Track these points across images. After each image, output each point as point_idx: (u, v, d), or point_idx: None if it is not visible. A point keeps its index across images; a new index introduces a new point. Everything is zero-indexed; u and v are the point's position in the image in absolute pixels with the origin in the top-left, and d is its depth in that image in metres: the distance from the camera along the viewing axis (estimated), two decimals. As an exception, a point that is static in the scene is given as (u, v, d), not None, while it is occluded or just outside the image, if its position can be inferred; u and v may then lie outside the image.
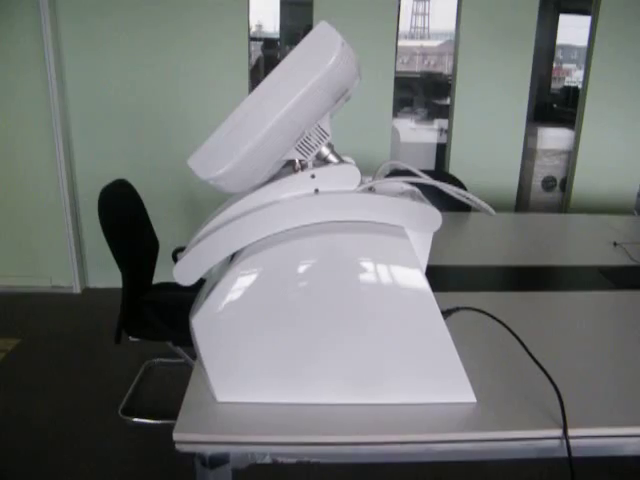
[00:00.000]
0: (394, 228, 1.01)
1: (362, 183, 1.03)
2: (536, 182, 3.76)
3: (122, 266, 1.95)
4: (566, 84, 6.73)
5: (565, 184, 3.75)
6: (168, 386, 2.54)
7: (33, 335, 3.01)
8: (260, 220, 1.00)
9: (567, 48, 7.17)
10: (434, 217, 1.01)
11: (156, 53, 3.24)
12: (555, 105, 5.64)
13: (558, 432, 1.00)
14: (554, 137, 3.78)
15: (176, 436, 0.98)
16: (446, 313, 1.15)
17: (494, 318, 1.21)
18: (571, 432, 0.99)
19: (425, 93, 5.57)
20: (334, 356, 1.04)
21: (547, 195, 3.79)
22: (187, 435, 0.98)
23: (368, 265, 0.99)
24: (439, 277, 1.13)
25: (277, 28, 5.54)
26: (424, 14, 14.02)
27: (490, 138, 3.48)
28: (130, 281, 2.02)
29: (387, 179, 1.07)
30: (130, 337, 2.12)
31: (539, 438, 1.01)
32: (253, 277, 1.00)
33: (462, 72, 3.39)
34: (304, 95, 0.85)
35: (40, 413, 2.35)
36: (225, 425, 1.02)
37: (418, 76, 6.67)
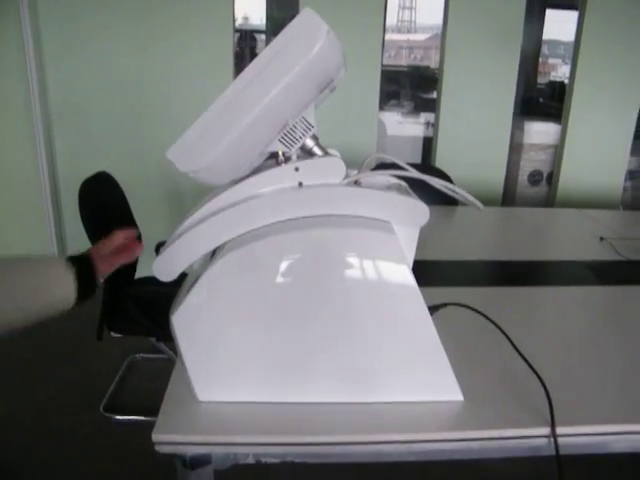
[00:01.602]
0: (380, 223, 0.98)
1: (347, 176, 1.00)
2: (522, 176, 3.76)
3: (103, 261, 1.91)
4: (552, 79, 6.74)
5: (551, 178, 3.75)
6: (151, 382, 2.49)
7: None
8: (242, 214, 0.97)
9: (553, 43, 7.18)
10: (421, 211, 0.99)
11: (139, 47, 3.18)
12: (541, 99, 5.64)
13: (546, 430, 0.98)
14: (540, 131, 3.78)
15: (155, 437, 0.95)
16: (433, 309, 1.13)
17: (481, 314, 1.19)
18: (559, 430, 0.97)
19: (412, 86, 5.55)
20: (318, 354, 1.01)
21: (533, 189, 3.79)
22: (167, 436, 0.95)
23: (354, 261, 0.96)
24: (425, 272, 1.11)
25: (264, 20, 5.48)
26: (411, 8, 13.98)
27: (477, 132, 3.47)
28: (111, 276, 1.97)
29: (373, 172, 1.05)
30: (112, 333, 2.09)
31: (527, 437, 0.99)
32: (235, 273, 0.97)
33: (449, 65, 3.37)
34: (287, 84, 0.81)
35: (21, 410, 2.31)
36: (206, 425, 0.99)
37: (405, 69, 6.65)
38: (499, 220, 2.50)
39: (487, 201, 3.31)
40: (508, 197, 3.73)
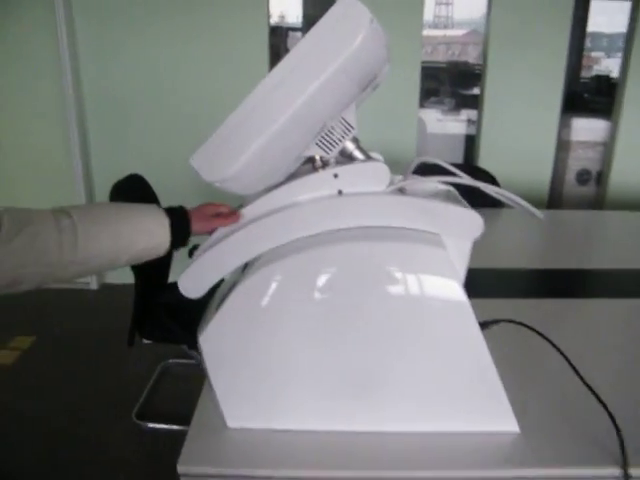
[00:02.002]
0: (429, 235, 0.88)
1: (392, 183, 0.91)
2: (570, 175, 3.58)
3: (133, 266, 1.85)
4: (596, 73, 6.46)
5: (601, 177, 3.56)
6: (184, 389, 2.43)
7: (49, 333, 2.94)
8: (276, 225, 0.89)
9: (596, 35, 6.89)
10: (475, 222, 0.88)
11: (174, 45, 3.13)
12: (586, 95, 5.39)
13: (616, 471, 0.86)
14: (588, 128, 3.59)
15: (180, 468, 0.87)
16: (482, 326, 1.03)
17: (539, 333, 1.08)
18: (633, 471, 0.86)
19: (451, 83, 5.39)
20: (360, 379, 0.92)
21: (582, 189, 3.60)
22: (193, 468, 0.87)
23: (399, 277, 0.87)
24: (465, 281, 1.03)
25: (300, 18, 5.39)
26: (447, 3, 13.73)
27: (522, 129, 3.31)
28: (143, 281, 1.92)
29: (421, 178, 0.95)
30: (143, 340, 2.03)
31: (594, 478, 0.88)
32: (268, 290, 0.88)
33: (492, 61, 3.22)
34: (325, 82, 0.72)
35: (53, 414, 2.28)
36: (236, 455, 0.91)
37: (443, 66, 6.48)
38: (546, 224, 2.35)
39: (533, 202, 3.14)
40: (555, 197, 3.55)
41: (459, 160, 3.88)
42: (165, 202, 2.17)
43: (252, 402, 0.94)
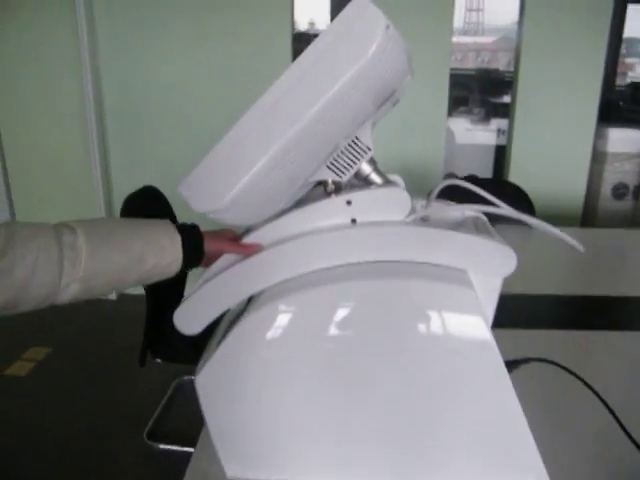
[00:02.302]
0: (454, 272, 0.78)
1: (413, 210, 0.80)
2: (605, 189, 3.41)
3: (146, 290, 1.78)
4: (631, 80, 6.24)
5: (639, 191, 3.39)
6: (198, 409, 2.36)
7: (65, 345, 2.89)
8: (281, 257, 0.79)
9: (631, 41, 6.67)
10: (506, 258, 0.77)
11: (194, 50, 3.07)
12: (621, 103, 5.19)
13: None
14: (626, 139, 3.42)
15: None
16: (511, 365, 0.92)
17: (578, 377, 0.96)
18: None
19: (481, 91, 5.25)
20: (372, 428, 0.82)
21: (618, 204, 3.43)
22: (185, 527, 0.78)
23: (420, 320, 0.76)
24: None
25: (328, 24, 5.33)
26: (478, 10, 13.56)
27: (555, 140, 3.17)
28: (155, 300, 1.84)
29: (447, 207, 0.84)
30: (156, 359, 1.96)
31: None
32: (272, 329, 0.78)
33: (524, 68, 3.09)
34: (333, 99, 0.62)
35: (63, 431, 2.22)
36: (234, 513, 0.81)
37: (473, 73, 6.34)
38: (581, 243, 2.21)
39: (566, 218, 2.99)
40: (589, 212, 3.39)
41: (488, 172, 3.75)
42: (183, 213, 2.11)
43: (254, 451, 0.84)
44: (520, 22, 3.08)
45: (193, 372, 0.87)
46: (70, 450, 2.12)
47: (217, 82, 3.11)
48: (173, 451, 2.10)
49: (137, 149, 3.24)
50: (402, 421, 0.81)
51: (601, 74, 3.06)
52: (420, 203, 0.92)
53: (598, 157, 3.39)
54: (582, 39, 3.01)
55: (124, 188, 1.92)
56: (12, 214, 3.40)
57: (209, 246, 0.82)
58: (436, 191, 0.88)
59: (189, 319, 0.84)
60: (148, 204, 1.96)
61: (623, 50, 6.06)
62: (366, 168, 0.81)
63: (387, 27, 0.60)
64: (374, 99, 0.67)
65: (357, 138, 0.76)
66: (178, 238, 0.79)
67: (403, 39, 0.64)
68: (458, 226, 0.88)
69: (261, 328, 0.79)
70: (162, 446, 2.12)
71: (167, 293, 1.96)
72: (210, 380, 0.82)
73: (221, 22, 3.02)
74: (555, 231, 0.81)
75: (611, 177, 3.40)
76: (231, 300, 0.82)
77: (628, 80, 6.24)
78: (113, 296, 3.40)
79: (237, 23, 3.02)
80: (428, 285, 0.76)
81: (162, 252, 0.77)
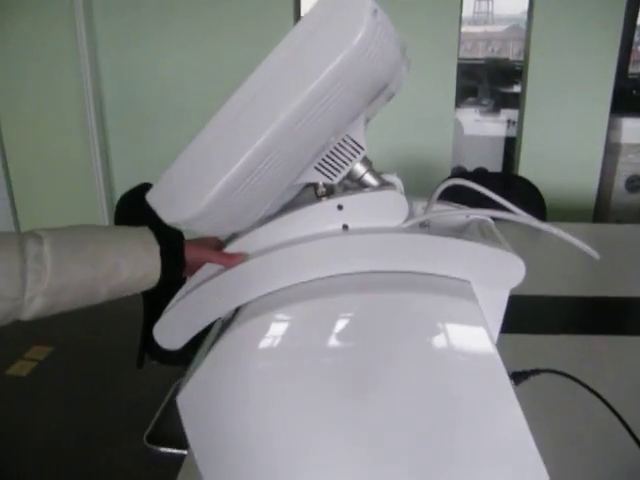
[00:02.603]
0: (457, 283, 0.70)
1: (412, 215, 0.73)
2: (619, 182, 3.31)
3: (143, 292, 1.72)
4: (643, 67, 6.07)
5: (653, 184, 3.29)
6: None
7: (66, 344, 2.85)
8: (267, 267, 0.72)
9: (640, 28, 6.50)
10: (514, 268, 0.70)
11: (195, 43, 3.00)
12: (634, 92, 5.05)
13: None
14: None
15: None
16: (519, 377, 0.85)
17: (593, 392, 0.89)
18: None
19: (490, 81, 5.14)
20: (366, 453, 0.75)
21: (632, 197, 3.33)
22: None
23: (419, 337, 0.69)
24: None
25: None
26: (488, -1, 13.37)
27: (566, 131, 3.07)
28: (152, 299, 1.79)
29: (451, 211, 0.77)
30: (154, 362, 1.90)
31: None
32: (258, 345, 0.72)
33: (535, 58, 2.99)
34: (314, 95, 0.54)
35: (62, 432, 2.18)
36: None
37: (482, 62, 6.21)
38: (592, 240, 2.12)
39: (578, 211, 2.89)
40: (601, 206, 3.30)
41: (498, 164, 3.66)
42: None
43: (238, 476, 0.78)
44: (530, 10, 2.99)
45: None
46: (70, 453, 2.08)
47: (219, 77, 3.04)
48: (173, 454, 2.05)
49: (139, 147, 3.19)
50: (402, 438, 0.74)
51: (615, 62, 2.96)
52: (421, 205, 0.85)
53: (611, 149, 3.29)
54: (595, 27, 2.91)
55: (126, 186, 1.87)
56: (14, 213, 3.36)
57: (191, 255, 0.75)
58: (438, 192, 0.81)
59: (170, 333, 0.78)
60: (144, 202, 1.90)
61: (636, 37, 5.91)
62: (359, 169, 0.74)
63: (375, 12, 0.52)
64: (363, 94, 0.59)
65: (348, 136, 0.69)
66: (156, 247, 0.72)
67: (394, 26, 0.56)
68: (461, 231, 0.81)
69: (245, 345, 0.72)
70: (162, 449, 2.08)
71: (164, 293, 1.91)
72: (192, 401, 0.76)
73: (223, 16, 2.95)
74: (569, 237, 0.74)
75: (625, 169, 3.30)
76: (214, 313, 0.76)
77: (640, 68, 6.09)
78: (116, 293, 3.36)
79: (239, 16, 2.95)
80: (427, 299, 0.69)
81: (138, 263, 0.71)
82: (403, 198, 0.71)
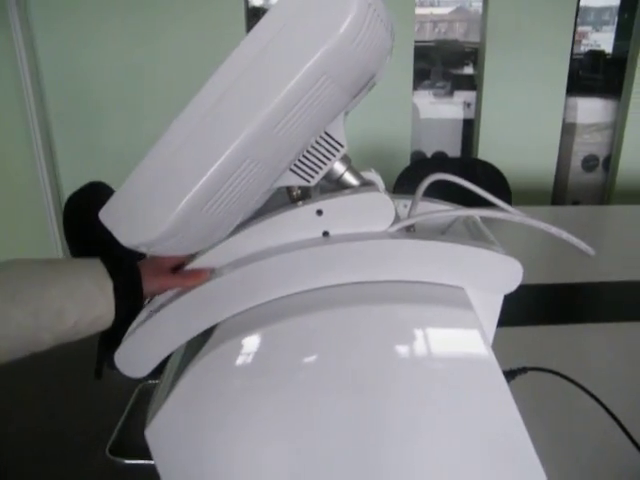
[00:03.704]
0: (450, 291, 0.64)
1: (397, 219, 0.67)
2: (575, 162, 3.33)
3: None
4: (589, 48, 6.17)
5: (608, 163, 3.32)
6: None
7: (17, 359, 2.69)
8: (238, 284, 0.64)
9: (582, 9, 6.62)
10: (510, 271, 0.65)
11: (143, 40, 2.84)
12: (580, 72, 5.12)
13: None
14: (594, 109, 3.33)
15: None
16: (508, 375, 0.80)
17: (580, 386, 0.85)
18: None
19: (442, 63, 5.11)
20: (356, 465, 0.69)
21: (588, 176, 3.36)
22: None
23: (413, 349, 0.63)
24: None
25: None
26: (433, -20, 13.42)
27: (524, 111, 3.06)
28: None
29: (440, 212, 0.71)
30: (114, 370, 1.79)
31: None
32: (232, 371, 0.64)
33: (491, 39, 2.95)
34: (295, 91, 0.47)
35: (16, 451, 2.05)
36: None
37: (433, 45, 6.18)
38: (550, 223, 2.11)
39: (537, 192, 2.87)
40: (560, 186, 3.31)
41: (457, 148, 3.63)
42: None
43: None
44: (485, -9, 2.95)
45: (158, 376, 0.73)
46: (27, 472, 1.95)
47: (169, 69, 2.90)
48: (139, 465, 1.95)
49: (86, 142, 3.01)
50: (394, 446, 0.68)
51: (570, 43, 2.96)
52: (402, 203, 0.78)
53: (568, 129, 3.30)
54: (549, 7, 2.89)
55: (74, 184, 1.74)
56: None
57: (149, 288, 0.67)
58: (422, 189, 0.74)
59: (133, 360, 0.69)
60: (95, 204, 1.78)
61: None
62: (339, 168, 0.67)
63: (366, -4, 0.44)
64: (350, 88, 0.52)
65: (327, 134, 0.61)
66: (109, 284, 0.63)
67: (386, 9, 0.48)
68: (448, 230, 0.75)
69: (217, 371, 0.65)
70: (127, 461, 1.97)
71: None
72: (161, 433, 0.68)
73: (171, 3, 2.80)
74: (564, 234, 0.69)
75: (581, 149, 3.32)
76: (181, 337, 0.68)
77: (582, 48, 6.17)
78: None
79: (188, 2, 2.80)
80: (420, 309, 0.63)
81: (88, 305, 0.62)
82: (388, 199, 0.65)
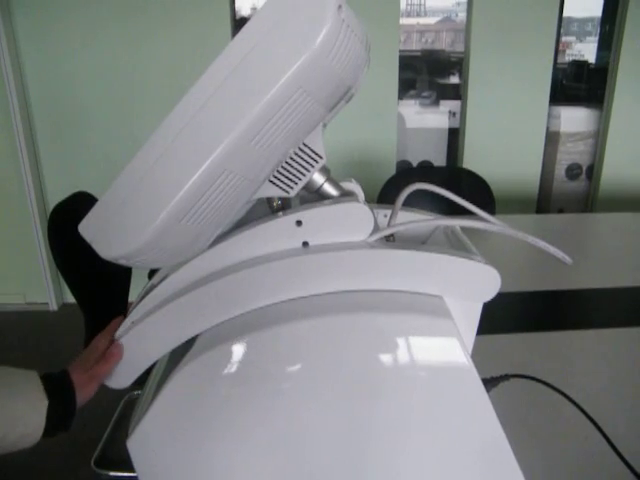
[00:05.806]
0: (428, 300, 0.65)
1: (376, 228, 0.67)
2: (559, 170, 3.37)
3: (82, 307, 1.61)
4: (574, 58, 6.26)
5: (592, 172, 3.36)
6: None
7: (5, 358, 2.67)
8: (221, 293, 0.65)
9: (568, 20, 6.73)
10: (488, 280, 0.66)
11: (129, 49, 2.84)
12: (564, 82, 5.19)
13: None
14: (578, 118, 3.38)
15: None
16: (489, 383, 0.81)
17: (560, 392, 0.86)
18: None
19: (428, 72, 5.16)
20: (342, 472, 0.69)
21: (572, 184, 3.40)
22: None
23: (391, 358, 0.64)
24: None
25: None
26: (419, -9, 13.55)
27: (508, 120, 3.09)
28: (94, 311, 1.67)
29: (420, 222, 0.72)
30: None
31: None
32: (214, 380, 0.65)
33: (475, 49, 2.99)
34: (271, 104, 0.47)
35: (0, 462, 2.02)
36: None
37: (419, 54, 6.24)
38: (535, 231, 2.12)
39: (522, 200, 2.90)
40: (544, 194, 3.35)
41: (442, 157, 3.66)
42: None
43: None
44: (469, 2, 2.98)
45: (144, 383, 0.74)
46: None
47: (155, 78, 2.90)
48: (125, 478, 1.94)
49: (71, 150, 3.01)
50: (376, 453, 0.69)
51: (552, 52, 3.00)
52: (382, 213, 0.79)
53: (551, 137, 3.34)
54: (532, 18, 2.93)
55: (59, 193, 1.73)
56: None
57: (81, 398, 0.67)
58: (401, 199, 0.75)
59: (116, 371, 0.69)
60: (79, 215, 1.77)
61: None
62: (318, 178, 0.67)
63: (339, 7, 0.45)
64: (325, 100, 0.53)
65: (306, 145, 0.62)
66: (43, 405, 0.62)
67: (360, 22, 0.49)
68: (428, 240, 0.75)
69: (198, 382, 0.65)
70: (112, 473, 1.96)
71: (108, 304, 1.79)
72: (143, 445, 0.68)
73: (157, 12, 2.81)
74: (541, 243, 0.70)
75: (564, 158, 3.36)
76: (164, 347, 0.68)
77: (567, 58, 6.26)
78: (54, 306, 3.18)
79: (174, 12, 2.81)
80: (399, 318, 0.63)
81: (16, 423, 0.60)
82: (368, 209, 0.65)
